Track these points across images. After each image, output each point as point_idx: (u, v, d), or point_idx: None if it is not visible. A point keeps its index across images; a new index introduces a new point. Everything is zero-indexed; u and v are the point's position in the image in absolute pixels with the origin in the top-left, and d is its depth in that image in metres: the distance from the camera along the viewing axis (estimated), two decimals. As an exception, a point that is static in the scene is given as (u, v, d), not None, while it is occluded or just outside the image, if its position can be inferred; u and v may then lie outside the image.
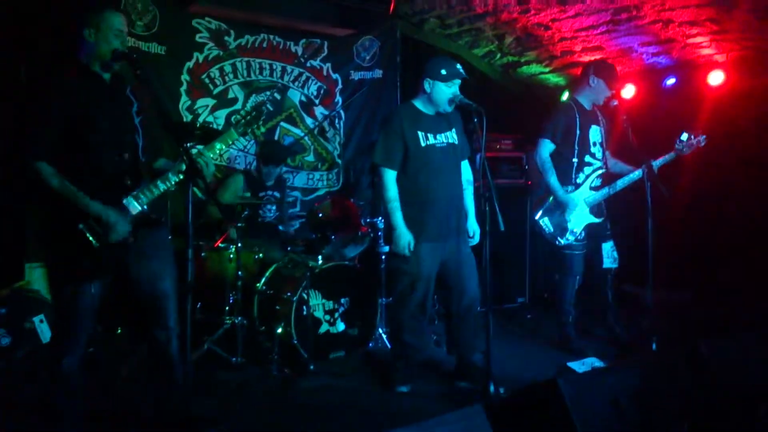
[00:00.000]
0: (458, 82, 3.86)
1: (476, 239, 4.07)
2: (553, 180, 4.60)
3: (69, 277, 2.86)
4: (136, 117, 3.06)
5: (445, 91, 3.84)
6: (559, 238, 4.65)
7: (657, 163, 4.58)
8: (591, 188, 4.68)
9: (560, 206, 4.62)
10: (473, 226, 4.10)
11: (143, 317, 3.17)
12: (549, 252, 5.15)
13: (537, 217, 4.68)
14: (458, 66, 3.87)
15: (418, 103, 3.96)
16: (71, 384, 2.93)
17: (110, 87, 2.99)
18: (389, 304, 4.96)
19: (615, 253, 4.88)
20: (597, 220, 4.71)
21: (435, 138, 3.92)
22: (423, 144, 3.88)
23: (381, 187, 3.95)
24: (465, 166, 4.13)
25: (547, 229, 4.66)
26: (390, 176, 3.90)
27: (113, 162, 2.94)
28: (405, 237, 3.84)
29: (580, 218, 4.66)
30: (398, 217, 3.86)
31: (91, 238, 2.80)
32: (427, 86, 3.88)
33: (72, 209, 2.79)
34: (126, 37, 2.99)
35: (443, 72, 3.82)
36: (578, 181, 4.67)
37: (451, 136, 3.98)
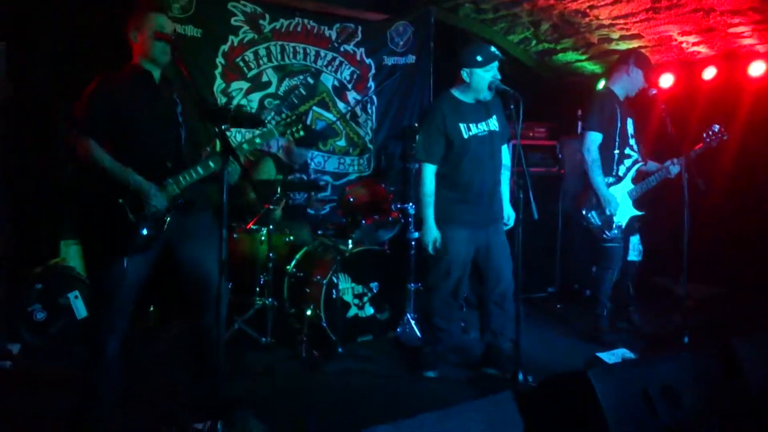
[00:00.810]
0: (496, 64, 3.81)
1: (510, 223, 4.05)
2: (599, 178, 4.51)
3: (107, 252, 2.92)
4: (180, 116, 3.15)
5: (485, 77, 3.79)
6: (606, 232, 4.60)
7: (692, 154, 4.53)
8: (633, 181, 4.65)
9: (603, 203, 4.55)
10: (508, 211, 4.08)
11: (187, 300, 3.21)
12: (588, 244, 5.09)
13: (584, 212, 4.62)
14: (492, 48, 3.83)
15: (457, 93, 3.93)
16: (113, 368, 2.99)
17: (158, 86, 3.12)
18: (418, 290, 4.97)
19: (640, 246, 4.86)
20: (640, 213, 4.67)
21: (477, 127, 3.89)
22: (465, 136, 3.86)
23: (419, 179, 3.95)
24: (504, 151, 4.10)
25: (595, 223, 4.60)
26: (430, 170, 3.89)
27: (156, 147, 3.04)
28: (432, 233, 3.86)
29: (625, 211, 4.62)
30: (429, 214, 3.87)
31: (129, 213, 2.88)
32: (465, 76, 3.83)
33: (113, 184, 2.89)
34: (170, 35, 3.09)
35: (479, 58, 3.78)
36: (620, 173, 4.63)
37: (492, 123, 3.94)
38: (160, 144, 3.06)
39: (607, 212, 4.54)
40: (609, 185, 4.57)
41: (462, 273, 3.94)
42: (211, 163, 3.07)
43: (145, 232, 2.93)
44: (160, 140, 3.06)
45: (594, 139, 4.51)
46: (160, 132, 3.07)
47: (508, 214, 4.08)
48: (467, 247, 3.90)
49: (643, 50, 5.87)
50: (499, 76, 3.81)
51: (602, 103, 4.57)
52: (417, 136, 4.05)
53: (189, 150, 3.16)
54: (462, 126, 3.86)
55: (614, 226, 4.60)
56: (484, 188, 3.91)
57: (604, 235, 4.61)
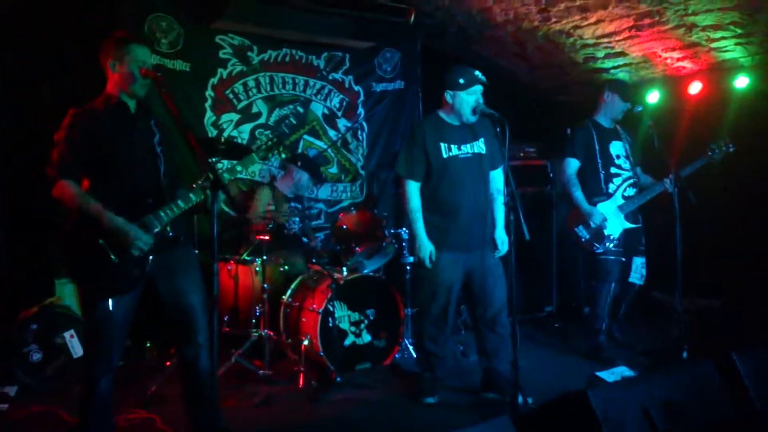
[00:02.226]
0: (479, 88, 3.84)
1: (503, 250, 4.02)
2: (577, 194, 4.77)
3: (92, 293, 2.92)
4: (158, 146, 3.13)
5: (467, 100, 3.83)
6: (596, 244, 4.73)
7: (686, 171, 4.63)
8: (624, 197, 4.78)
9: (586, 217, 4.72)
10: (501, 236, 4.03)
11: (172, 334, 3.20)
12: (583, 260, 5.30)
13: (574, 229, 4.81)
14: (476, 72, 3.86)
15: (443, 114, 3.97)
16: (105, 404, 2.97)
17: (134, 116, 3.10)
18: (414, 315, 4.96)
19: (644, 270, 4.93)
20: (634, 226, 4.82)
21: (459, 149, 3.91)
22: (445, 155, 3.87)
23: (404, 197, 3.98)
24: (496, 175, 4.08)
25: (584, 236, 4.75)
26: (412, 187, 3.92)
27: (135, 183, 3.02)
28: (426, 248, 3.87)
29: (616, 224, 4.76)
30: (420, 228, 3.89)
31: (111, 254, 2.86)
32: (449, 98, 3.88)
33: (93, 226, 2.86)
34: (150, 69, 3.08)
35: (461, 81, 3.82)
36: (610, 191, 4.79)
37: (477, 146, 3.95)
38: (139, 179, 3.03)
39: (592, 224, 4.70)
40: (599, 202, 4.75)
41: (447, 297, 3.93)
42: (192, 196, 3.04)
43: (128, 273, 2.91)
44: (139, 175, 3.04)
45: (567, 163, 4.86)
46: (139, 166, 3.04)
47: (502, 239, 4.03)
48: (452, 272, 3.90)
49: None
50: (481, 100, 3.84)
51: (576, 133, 4.92)
52: (400, 154, 4.06)
53: (168, 183, 3.14)
54: (443, 146, 3.88)
55: (605, 238, 4.71)
56: (468, 211, 3.89)
57: (595, 248, 4.73)
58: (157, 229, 2.98)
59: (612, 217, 4.73)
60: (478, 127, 3.96)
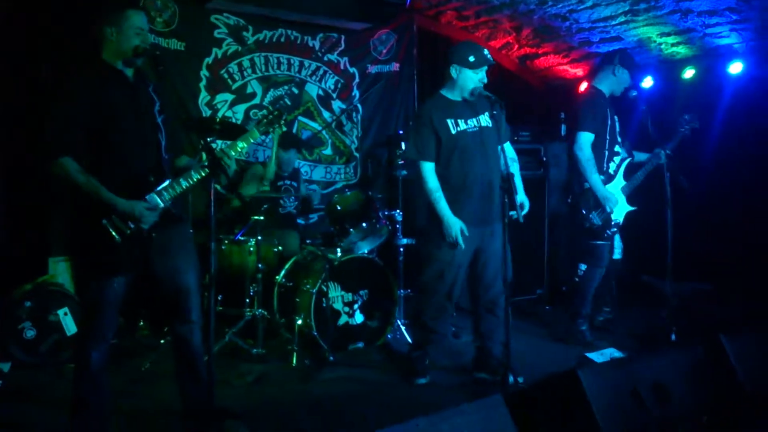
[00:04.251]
0: (485, 68, 3.84)
1: (526, 209, 3.97)
2: (595, 177, 4.51)
3: (93, 273, 2.88)
4: (159, 116, 3.05)
5: (473, 78, 3.82)
6: (607, 231, 4.63)
7: (669, 146, 4.58)
8: (624, 178, 4.69)
9: (602, 201, 4.56)
10: (522, 198, 4.00)
11: (165, 312, 3.21)
12: (569, 243, 5.14)
13: (585, 212, 4.60)
14: (485, 51, 3.83)
15: (445, 92, 3.95)
16: (99, 379, 2.98)
17: (133, 85, 3.01)
18: (408, 296, 5.00)
19: (621, 244, 4.96)
20: (633, 208, 4.71)
21: (466, 123, 3.89)
22: (453, 131, 3.84)
23: (420, 180, 3.89)
24: (507, 147, 4.03)
25: (597, 223, 4.60)
26: (427, 167, 3.85)
27: (137, 159, 2.95)
28: (456, 224, 3.77)
29: (620, 208, 4.65)
30: (443, 206, 3.80)
31: (114, 234, 2.83)
32: (453, 72, 3.85)
33: (95, 205, 2.81)
34: (147, 35, 3.01)
35: (471, 59, 3.79)
36: (610, 171, 4.67)
37: (483, 120, 3.93)
38: (140, 154, 2.97)
39: (607, 209, 4.55)
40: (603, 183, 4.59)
41: (456, 275, 3.91)
42: (195, 175, 2.99)
43: (130, 253, 2.88)
44: (140, 149, 2.97)
45: (587, 139, 4.50)
46: (141, 140, 2.97)
47: (522, 201, 3.98)
48: (465, 248, 3.83)
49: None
50: (485, 81, 3.84)
51: (593, 103, 4.59)
52: (408, 139, 4.00)
53: (169, 157, 3.10)
54: (449, 122, 3.86)
55: (612, 223, 4.62)
56: (480, 185, 3.84)
57: (606, 234, 4.63)
58: (159, 208, 2.95)
59: (618, 201, 4.63)
60: (477, 103, 3.94)
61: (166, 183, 2.98)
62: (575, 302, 4.79)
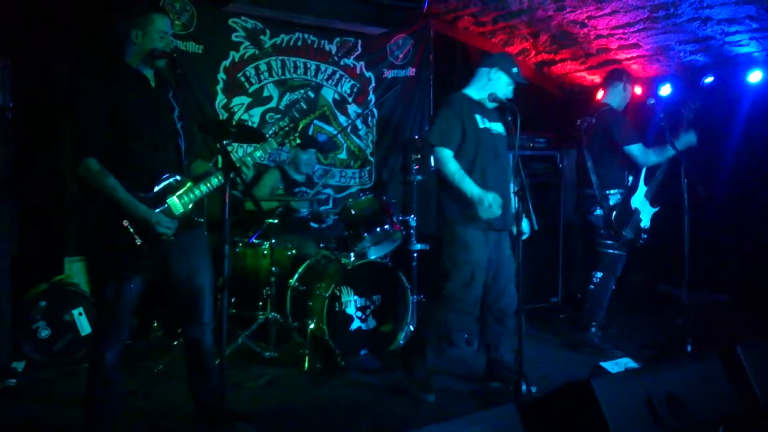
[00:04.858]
0: (514, 85, 3.88)
1: (527, 231, 3.94)
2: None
3: (112, 273, 2.90)
4: (177, 122, 3.09)
5: (504, 89, 3.85)
6: (640, 241, 4.75)
7: (680, 143, 4.57)
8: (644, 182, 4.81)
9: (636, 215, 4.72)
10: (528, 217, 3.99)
11: (178, 313, 3.22)
12: (585, 250, 5.18)
13: (618, 229, 4.69)
14: (519, 72, 3.90)
15: (470, 92, 3.95)
16: (112, 378, 2.99)
17: (155, 90, 3.04)
18: (420, 302, 4.98)
19: None
20: (656, 209, 4.83)
21: (489, 123, 3.89)
22: (481, 126, 3.84)
23: (440, 166, 3.80)
24: (511, 159, 4.02)
25: (629, 237, 4.71)
26: (447, 154, 3.77)
27: (158, 163, 2.99)
28: (487, 196, 3.64)
29: (646, 212, 4.78)
30: (470, 182, 3.70)
31: (135, 236, 2.86)
32: (492, 74, 3.87)
33: (117, 207, 2.84)
34: (170, 39, 3.03)
35: (515, 70, 3.86)
36: (628, 183, 4.80)
37: (498, 127, 3.95)
38: (162, 158, 3.00)
39: (637, 216, 4.71)
40: (625, 196, 4.73)
41: (486, 275, 3.83)
42: (215, 180, 3.04)
43: (150, 255, 2.91)
44: (162, 154, 3.00)
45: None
46: (161, 144, 3.00)
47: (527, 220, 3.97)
48: (485, 248, 3.79)
49: (642, 59, 5.95)
50: (510, 96, 3.87)
51: (625, 118, 4.75)
52: (432, 123, 3.93)
53: (189, 161, 3.14)
54: (478, 117, 3.85)
55: (642, 232, 4.76)
56: (498, 187, 3.79)
57: (638, 243, 4.76)
58: (179, 212, 2.98)
59: (643, 208, 4.73)
60: (493, 111, 3.97)
61: (187, 187, 3.01)
62: (589, 310, 4.78)
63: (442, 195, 3.92)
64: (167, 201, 2.97)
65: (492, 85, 3.86)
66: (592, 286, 4.79)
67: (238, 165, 2.93)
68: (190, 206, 3.02)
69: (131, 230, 2.85)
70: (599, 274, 4.78)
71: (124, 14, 3.06)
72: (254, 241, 4.73)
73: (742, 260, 5.53)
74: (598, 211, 4.75)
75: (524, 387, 3.55)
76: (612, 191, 4.72)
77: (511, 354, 3.84)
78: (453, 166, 3.76)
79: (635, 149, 4.62)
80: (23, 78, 4.50)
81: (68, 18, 4.85)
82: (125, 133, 2.90)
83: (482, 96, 3.91)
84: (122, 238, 2.85)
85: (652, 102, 4.72)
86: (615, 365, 4.02)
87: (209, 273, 3.17)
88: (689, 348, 4.32)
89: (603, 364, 4.04)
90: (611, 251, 4.72)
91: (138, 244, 2.86)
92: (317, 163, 5.89)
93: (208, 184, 3.04)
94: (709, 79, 5.65)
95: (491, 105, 3.90)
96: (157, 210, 2.92)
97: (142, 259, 2.90)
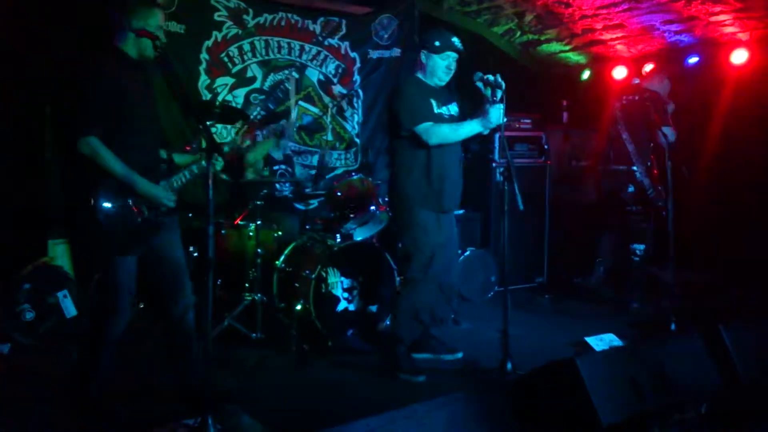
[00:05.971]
0: (453, 55, 3.81)
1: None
2: None
3: (118, 250, 3.02)
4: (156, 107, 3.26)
5: (439, 64, 3.81)
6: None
7: (667, 130, 4.65)
8: None
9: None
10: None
11: (161, 290, 3.26)
12: (623, 226, 5.34)
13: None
14: (454, 39, 3.81)
15: (420, 75, 3.92)
16: (110, 351, 3.16)
17: (149, 77, 3.16)
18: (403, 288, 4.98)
19: None
20: None
21: (439, 108, 3.87)
22: (436, 111, 3.83)
23: (433, 140, 3.72)
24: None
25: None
26: (428, 125, 3.71)
27: (151, 147, 3.14)
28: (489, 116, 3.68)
29: None
30: (466, 124, 3.74)
31: (138, 213, 2.99)
32: (423, 58, 3.85)
33: (120, 184, 2.94)
34: (162, 34, 3.13)
35: (437, 44, 3.79)
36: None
37: (453, 109, 3.94)
38: (155, 143, 3.15)
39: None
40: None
41: (446, 257, 3.91)
42: (203, 163, 3.09)
43: (149, 230, 3.05)
44: (154, 139, 3.15)
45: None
46: (154, 130, 3.15)
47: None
48: (441, 230, 3.85)
49: (626, 39, 5.95)
50: (454, 67, 3.82)
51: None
52: (400, 113, 3.81)
53: (175, 146, 3.26)
54: (433, 101, 3.84)
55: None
56: (455, 172, 3.88)
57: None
58: (175, 189, 3.13)
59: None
60: (451, 90, 3.96)
61: (176, 172, 3.15)
62: (635, 284, 5.09)
63: (399, 179, 3.91)
64: (161, 183, 3.08)
65: (429, 66, 3.83)
66: (636, 258, 4.99)
67: (218, 142, 3.04)
68: (178, 189, 3.14)
69: (135, 208, 2.99)
70: (641, 247, 4.99)
71: (125, 3, 3.11)
72: (239, 222, 4.70)
73: (728, 240, 5.59)
74: (631, 188, 4.97)
75: (509, 366, 3.58)
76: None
77: (497, 332, 3.84)
78: (443, 129, 3.73)
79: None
80: (17, 58, 4.46)
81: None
82: (121, 117, 2.98)
83: (429, 81, 3.88)
84: (127, 215, 2.97)
85: (636, 81, 4.78)
86: (599, 341, 4.07)
87: (181, 249, 3.29)
88: (673, 327, 4.37)
89: (588, 338, 4.08)
90: (644, 225, 4.96)
91: (138, 222, 3.00)
92: (303, 145, 5.87)
93: (199, 167, 3.15)
94: (694, 59, 5.66)
95: (444, 80, 3.86)
96: (158, 186, 3.06)
97: (143, 234, 3.04)
